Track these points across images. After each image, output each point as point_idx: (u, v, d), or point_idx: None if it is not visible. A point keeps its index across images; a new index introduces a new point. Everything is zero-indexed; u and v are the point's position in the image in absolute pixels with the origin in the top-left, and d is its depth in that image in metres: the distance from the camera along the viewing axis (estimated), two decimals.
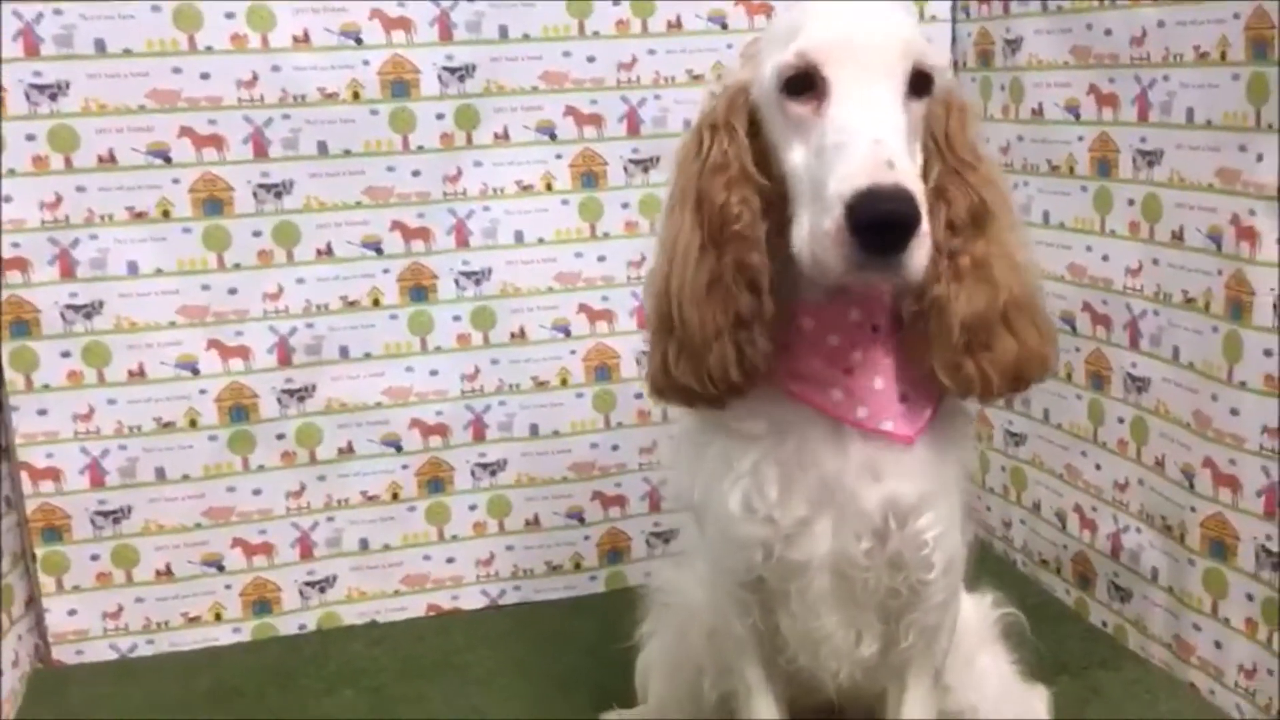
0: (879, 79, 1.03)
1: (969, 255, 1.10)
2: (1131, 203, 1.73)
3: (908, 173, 0.98)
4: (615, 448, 2.06)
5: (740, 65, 1.16)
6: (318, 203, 1.88)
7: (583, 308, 2.01)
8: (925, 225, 0.98)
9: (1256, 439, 1.53)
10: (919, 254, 0.98)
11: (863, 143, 0.98)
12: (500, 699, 1.73)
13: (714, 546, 1.25)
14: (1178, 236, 1.65)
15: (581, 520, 2.06)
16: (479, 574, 2.04)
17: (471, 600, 2.04)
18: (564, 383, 2.02)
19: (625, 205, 2.00)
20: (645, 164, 2.00)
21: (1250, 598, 1.56)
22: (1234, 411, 1.55)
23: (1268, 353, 1.50)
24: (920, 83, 1.06)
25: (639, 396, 2.05)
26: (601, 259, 2.01)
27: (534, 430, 2.02)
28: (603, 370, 2.04)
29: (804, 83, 1.04)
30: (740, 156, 1.10)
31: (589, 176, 1.98)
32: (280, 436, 1.92)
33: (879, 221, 0.96)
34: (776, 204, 1.10)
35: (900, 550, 1.16)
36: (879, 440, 1.14)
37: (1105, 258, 1.79)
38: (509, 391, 2.00)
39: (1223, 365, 1.57)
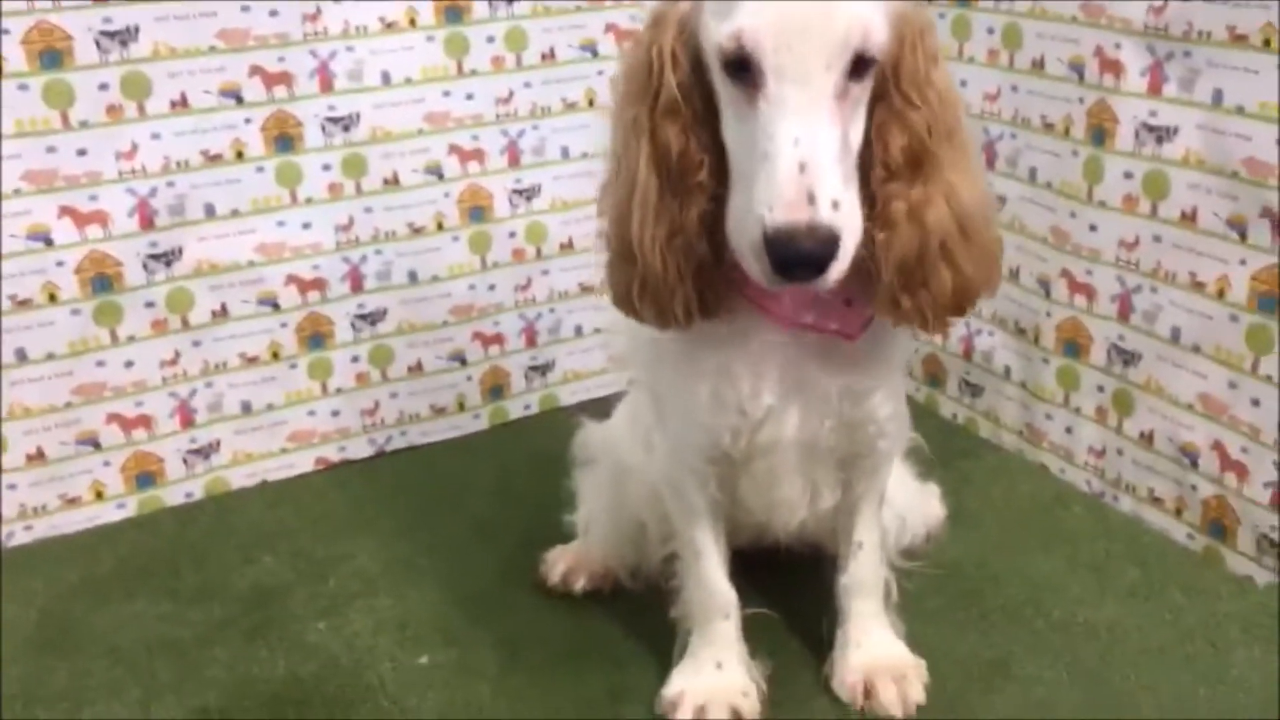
0: (816, 75, 1.00)
1: (903, 200, 1.09)
2: (991, 31, 1.84)
3: (831, 198, 0.98)
4: (492, 288, 2.06)
5: None
6: (168, 49, 1.72)
7: (454, 149, 1.96)
8: (847, 245, 1.00)
9: (1113, 252, 1.71)
10: (838, 270, 1.01)
11: (788, 165, 0.98)
12: (426, 548, 1.75)
13: (676, 428, 1.30)
14: (1038, 65, 1.77)
15: (463, 361, 2.07)
16: (365, 423, 2.02)
17: (359, 450, 2.03)
18: (439, 227, 1.98)
19: (491, 40, 1.94)
20: None
21: (1101, 389, 1.78)
22: (1092, 228, 1.73)
23: (1128, 175, 1.67)
24: (862, 66, 1.03)
25: (513, 235, 2.05)
26: (470, 97, 1.95)
27: (412, 277, 1.99)
28: (476, 211, 2.01)
29: (741, 66, 1.01)
30: (692, 98, 1.08)
31: (453, 11, 1.90)
32: (149, 304, 1.80)
33: (793, 261, 0.98)
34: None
35: (857, 423, 1.26)
36: (831, 337, 1.20)
37: (964, 83, 1.90)
38: (385, 240, 1.95)
39: (1082, 186, 1.73)
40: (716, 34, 1.02)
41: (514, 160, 2.01)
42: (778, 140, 0.99)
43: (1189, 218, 1.60)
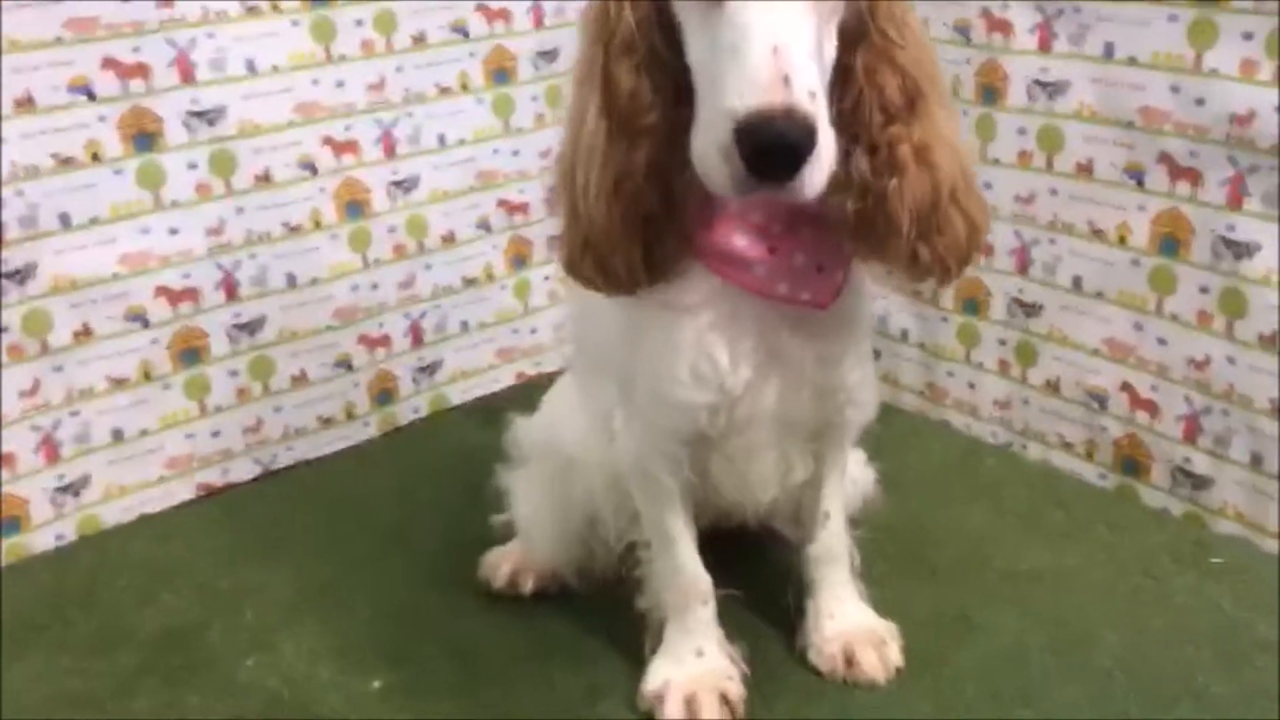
0: None
1: (908, 142, 1.05)
2: None
3: (807, 88, 0.92)
4: (375, 286, 1.94)
5: None
6: (9, 42, 1.53)
7: (327, 141, 1.83)
8: (824, 144, 0.93)
9: (1009, 208, 1.76)
10: (815, 175, 0.94)
11: (759, 50, 0.91)
12: (342, 566, 1.63)
13: (648, 410, 1.23)
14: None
15: (349, 367, 1.95)
16: (248, 442, 1.87)
17: (243, 471, 1.88)
18: (317, 225, 1.85)
19: (359, 23, 1.82)
20: None
21: (1003, 343, 1.83)
22: (987, 185, 1.77)
23: (1021, 131, 1.71)
24: None
25: (392, 230, 1.94)
26: (340, 85, 1.83)
27: (291, 280, 1.85)
28: (354, 207, 1.89)
29: None
30: (650, 34, 1.01)
31: None
32: (3, 330, 1.61)
33: (768, 147, 0.91)
34: (688, 87, 1.01)
35: (829, 390, 1.23)
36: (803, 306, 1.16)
37: None
38: (259, 242, 1.81)
39: (975, 144, 1.77)
40: None
41: (390, 151, 1.90)
42: (750, 30, 0.92)
43: (1085, 169, 1.66)
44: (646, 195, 1.03)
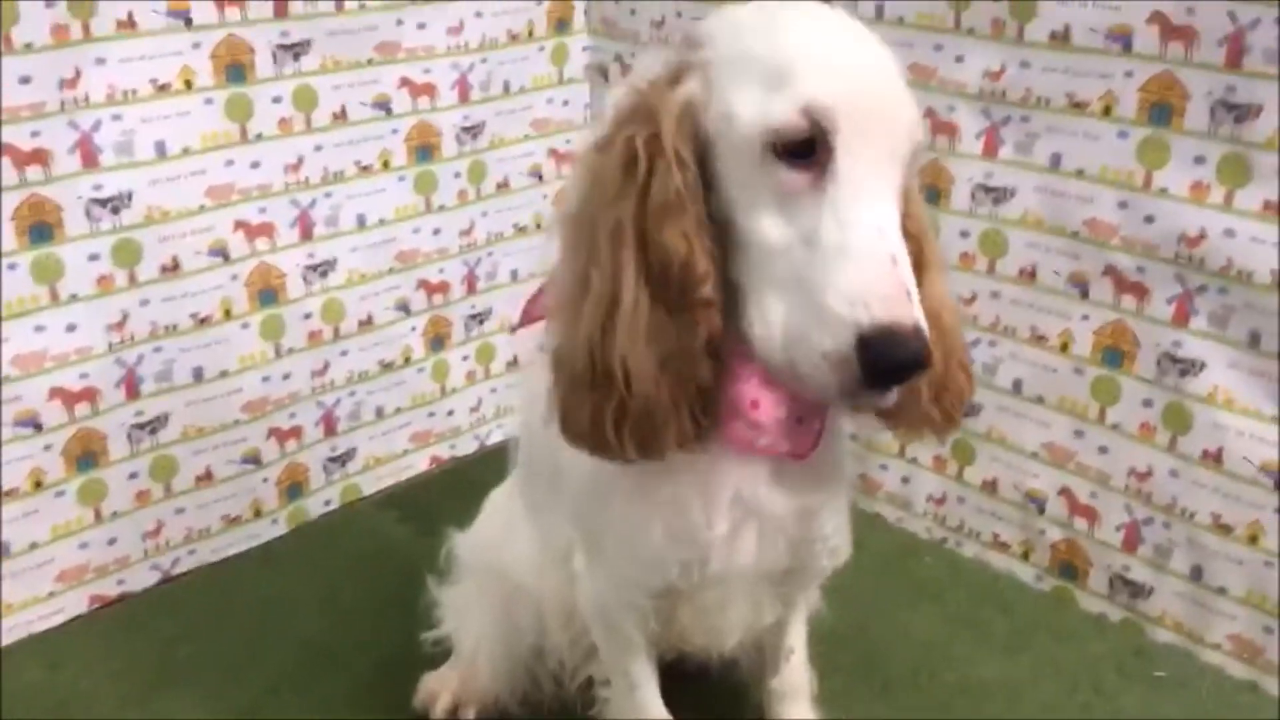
0: (892, 162, 0.89)
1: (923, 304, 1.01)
2: None
3: (916, 298, 0.87)
4: (287, 376, 1.82)
5: (674, 65, 0.95)
6: None
7: (240, 225, 1.71)
8: None
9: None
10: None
11: (880, 258, 0.86)
12: (268, 691, 1.52)
13: (616, 563, 1.15)
14: None
15: (258, 462, 1.82)
16: (146, 548, 1.73)
17: (141, 579, 1.73)
18: (227, 314, 1.72)
19: (277, 100, 1.70)
20: (296, 50, 1.70)
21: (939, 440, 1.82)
22: None
23: (964, 233, 1.70)
24: (911, 160, 0.93)
25: (308, 317, 1.82)
26: (255, 166, 1.70)
27: (198, 374, 1.72)
28: (267, 294, 1.77)
29: (803, 147, 0.87)
30: (697, 199, 0.92)
31: (235, 68, 1.65)
32: None
33: (897, 366, 0.85)
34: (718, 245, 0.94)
35: (805, 541, 1.16)
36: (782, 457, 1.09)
37: None
38: (165, 335, 1.67)
39: None
40: (766, 109, 0.87)
41: (306, 233, 1.78)
42: (860, 229, 0.86)
43: (1028, 275, 1.66)
44: (699, 367, 0.93)
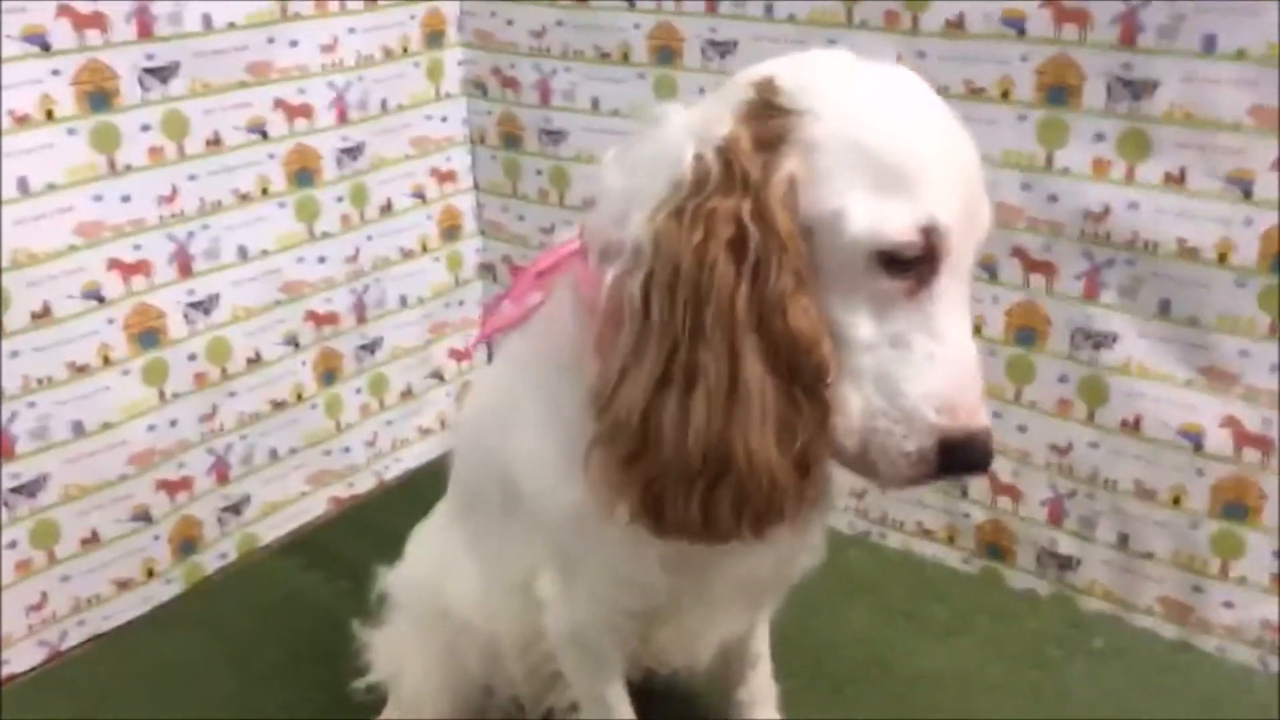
0: (968, 271, 0.89)
1: None
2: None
3: None
4: (174, 423, 1.69)
5: (763, 126, 0.88)
6: None
7: (114, 264, 1.58)
8: None
9: None
10: None
11: (966, 368, 0.88)
12: None
13: (598, 586, 1.09)
14: None
15: (148, 519, 1.68)
16: (31, 623, 1.58)
17: (26, 658, 1.58)
18: (105, 362, 1.59)
19: (146, 128, 1.58)
20: (163, 73, 1.59)
21: None
22: None
23: None
24: None
25: (192, 358, 1.70)
26: (127, 200, 1.58)
27: (78, 429, 1.58)
28: (148, 336, 1.64)
29: (911, 259, 0.85)
30: (812, 283, 0.88)
31: (98, 96, 1.53)
32: None
33: (969, 468, 0.89)
34: None
35: (795, 553, 1.14)
36: None
37: None
38: (38, 388, 1.53)
39: None
40: (882, 221, 0.84)
41: (185, 269, 1.66)
42: (950, 340, 0.87)
43: None
44: (828, 448, 0.90)
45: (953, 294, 0.87)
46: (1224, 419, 1.49)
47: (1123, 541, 1.61)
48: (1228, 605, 1.55)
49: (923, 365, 0.87)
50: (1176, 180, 1.46)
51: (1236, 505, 1.51)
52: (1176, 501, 1.55)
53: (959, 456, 0.87)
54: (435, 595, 1.30)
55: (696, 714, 1.39)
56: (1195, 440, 1.52)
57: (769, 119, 0.87)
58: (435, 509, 1.41)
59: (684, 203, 0.87)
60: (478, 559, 1.26)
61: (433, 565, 1.33)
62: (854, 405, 0.88)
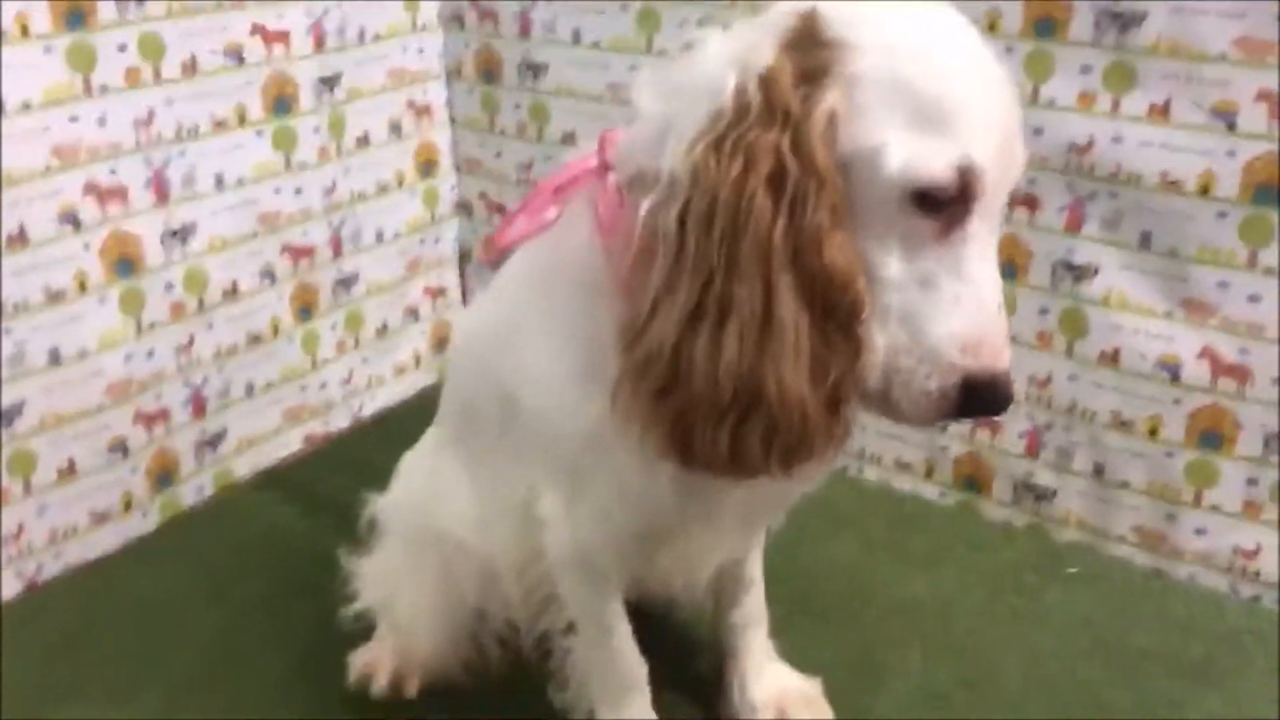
0: (1000, 212, 0.90)
1: None
2: None
3: None
4: (151, 354, 1.67)
5: (803, 57, 0.86)
6: None
7: (90, 188, 1.55)
8: None
9: None
10: None
11: (992, 310, 0.88)
12: (172, 701, 1.38)
13: (612, 506, 1.07)
14: None
15: (125, 451, 1.66)
16: (8, 554, 1.55)
17: (3, 589, 1.55)
18: (82, 288, 1.56)
19: (122, 48, 1.55)
20: None
21: None
22: None
23: None
24: None
25: (170, 288, 1.67)
26: (103, 122, 1.55)
27: (54, 356, 1.55)
28: (124, 264, 1.61)
29: (945, 198, 0.85)
30: (849, 219, 0.87)
31: (74, 14, 1.49)
32: None
33: (992, 404, 0.89)
34: None
35: (801, 482, 1.11)
36: None
37: None
38: (15, 314, 1.49)
39: None
40: (920, 159, 0.84)
41: (162, 195, 1.63)
42: (978, 282, 0.87)
43: None
44: (859, 385, 0.90)
45: (983, 236, 0.88)
46: (1202, 350, 1.52)
47: (1099, 472, 1.64)
48: (1200, 533, 1.59)
49: (949, 305, 0.87)
50: (1161, 113, 1.48)
51: (1212, 434, 1.55)
52: (1153, 432, 1.58)
53: (980, 396, 0.88)
54: (429, 518, 1.29)
55: (690, 635, 1.41)
56: (1173, 371, 1.55)
57: (811, 50, 0.86)
58: (424, 435, 1.41)
59: (724, 134, 0.85)
60: (474, 481, 1.25)
61: (425, 489, 1.33)
62: (879, 343, 0.89)
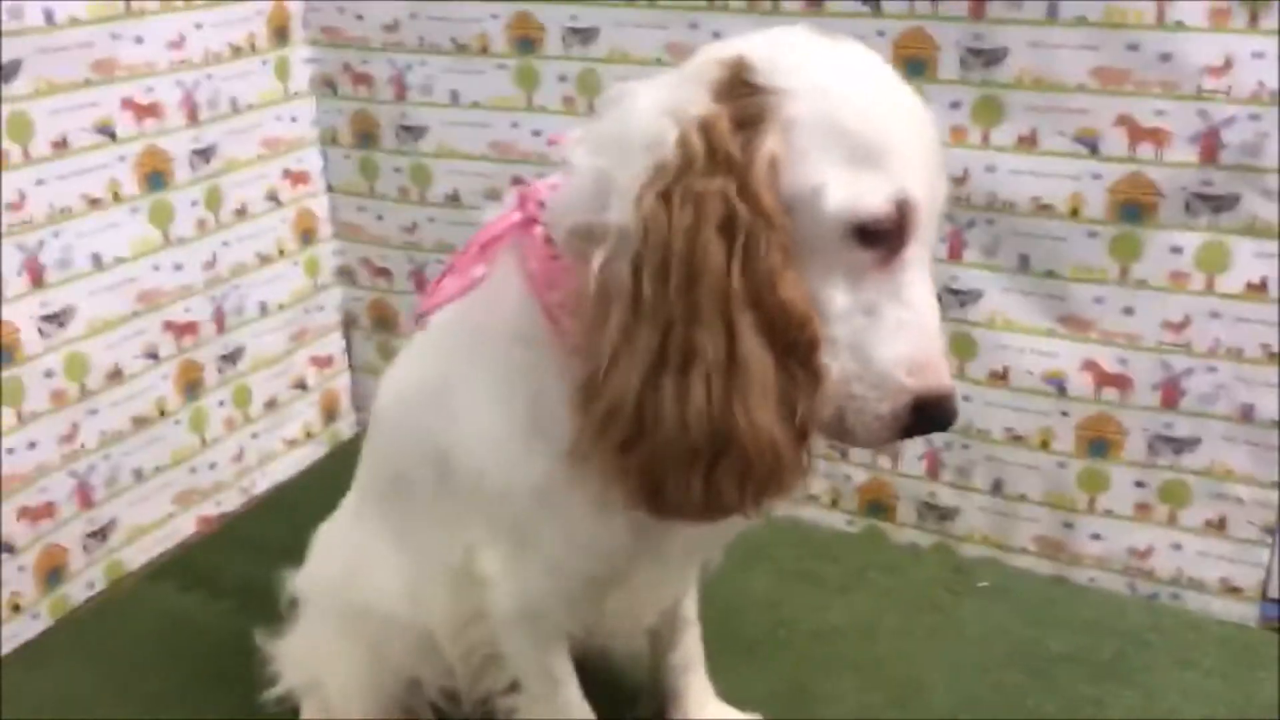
0: (932, 243, 0.94)
1: None
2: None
3: None
4: (33, 445, 1.58)
5: (737, 104, 0.89)
6: None
7: None
8: None
9: None
10: None
11: (932, 333, 0.91)
12: None
13: (563, 555, 1.07)
14: None
15: (12, 550, 1.57)
16: None
17: None
18: None
19: None
20: (3, 72, 1.49)
21: None
22: None
23: None
24: None
25: (49, 375, 1.60)
26: None
27: None
28: (3, 354, 1.53)
29: (882, 231, 0.89)
30: (797, 258, 0.90)
31: None
32: None
33: (938, 425, 0.93)
34: None
35: None
36: None
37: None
38: None
39: None
40: (857, 196, 0.87)
41: (37, 279, 1.56)
42: (918, 307, 0.90)
43: None
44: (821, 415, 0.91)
45: (919, 263, 0.91)
46: (1084, 363, 1.61)
47: (997, 487, 1.71)
48: (1096, 538, 1.67)
49: (893, 331, 0.90)
50: (1029, 142, 1.56)
51: (1099, 442, 1.63)
52: (1045, 444, 1.66)
53: (929, 415, 0.91)
54: (354, 592, 1.26)
55: (628, 684, 1.40)
56: (1059, 385, 1.63)
57: (744, 97, 0.89)
58: (342, 504, 1.37)
59: (671, 184, 0.87)
60: (403, 549, 1.23)
61: (348, 562, 1.29)
62: (831, 373, 0.91)
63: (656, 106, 0.90)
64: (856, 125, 0.88)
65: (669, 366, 0.87)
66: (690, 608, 1.33)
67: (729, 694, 1.39)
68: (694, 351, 0.87)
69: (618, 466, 0.90)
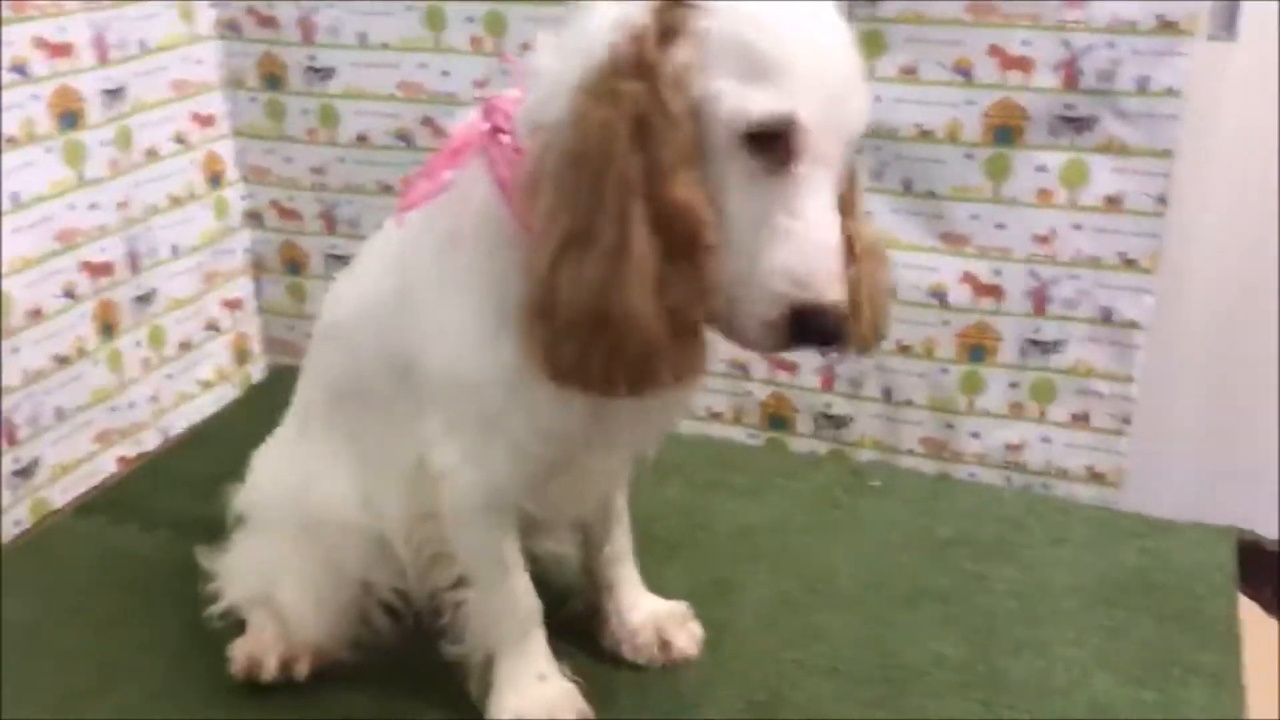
0: (838, 158, 0.99)
1: (860, 240, 1.11)
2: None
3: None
4: None
5: (666, 17, 0.97)
6: None
7: None
8: None
9: None
10: None
11: (818, 245, 0.97)
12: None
13: (526, 440, 1.15)
14: None
15: None
16: None
17: None
18: None
19: None
20: None
21: None
22: None
23: None
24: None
25: None
26: None
27: None
28: None
29: (772, 140, 0.96)
30: (697, 159, 0.98)
31: None
32: None
33: (818, 336, 0.98)
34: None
35: (677, 409, 1.27)
36: None
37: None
38: None
39: None
40: (747, 104, 0.95)
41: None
42: (806, 219, 0.97)
43: None
44: (705, 310, 0.99)
45: (815, 178, 0.97)
46: (963, 275, 1.76)
47: (887, 395, 1.86)
48: (975, 436, 1.83)
49: (780, 239, 0.97)
50: (910, 72, 1.70)
51: (977, 348, 1.79)
52: (929, 353, 1.81)
53: (809, 326, 0.97)
54: (304, 505, 1.32)
55: (558, 585, 1.48)
56: (940, 297, 1.78)
57: (675, 11, 0.99)
58: (280, 427, 1.44)
59: (597, 84, 0.97)
60: (356, 456, 1.30)
61: (293, 478, 1.35)
62: (723, 273, 0.99)
63: (607, 18, 1.00)
64: (755, 42, 0.97)
65: (573, 246, 0.97)
66: (621, 501, 1.42)
67: (656, 590, 1.48)
68: (593, 235, 0.97)
69: (531, 334, 1.00)
